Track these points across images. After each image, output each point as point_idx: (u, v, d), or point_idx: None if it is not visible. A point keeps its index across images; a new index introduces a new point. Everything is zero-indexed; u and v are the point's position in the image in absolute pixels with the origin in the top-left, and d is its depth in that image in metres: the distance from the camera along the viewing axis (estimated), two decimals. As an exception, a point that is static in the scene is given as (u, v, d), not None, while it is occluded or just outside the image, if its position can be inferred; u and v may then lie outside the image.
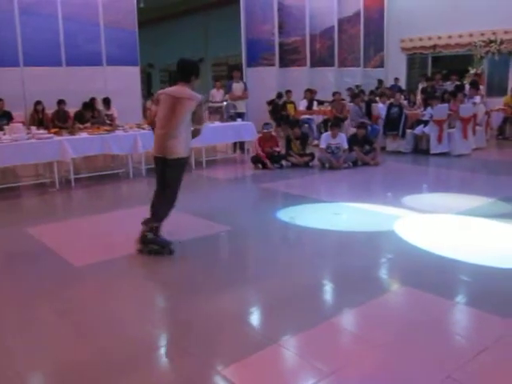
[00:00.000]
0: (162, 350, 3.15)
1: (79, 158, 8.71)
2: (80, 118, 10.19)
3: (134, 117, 11.31)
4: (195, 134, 4.69)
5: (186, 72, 4.61)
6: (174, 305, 3.79)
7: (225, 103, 10.51)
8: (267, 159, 8.98)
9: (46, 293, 3.98)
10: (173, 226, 5.72)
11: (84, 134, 8.39)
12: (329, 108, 12.65)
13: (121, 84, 11.98)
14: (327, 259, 4.78)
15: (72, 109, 10.64)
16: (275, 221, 5.88)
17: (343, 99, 12.86)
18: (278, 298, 3.81)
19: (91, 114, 10.47)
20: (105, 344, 3.16)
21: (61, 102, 10.48)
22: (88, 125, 9.75)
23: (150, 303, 3.86)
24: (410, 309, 3.71)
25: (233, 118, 10.33)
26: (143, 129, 9.03)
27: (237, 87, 11.19)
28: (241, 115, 10.80)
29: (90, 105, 10.59)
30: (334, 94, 12.17)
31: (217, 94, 13.73)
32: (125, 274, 4.41)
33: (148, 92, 24.04)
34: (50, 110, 10.62)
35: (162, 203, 4.67)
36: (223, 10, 19.24)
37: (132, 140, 8.47)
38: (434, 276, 4.17)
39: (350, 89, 14.33)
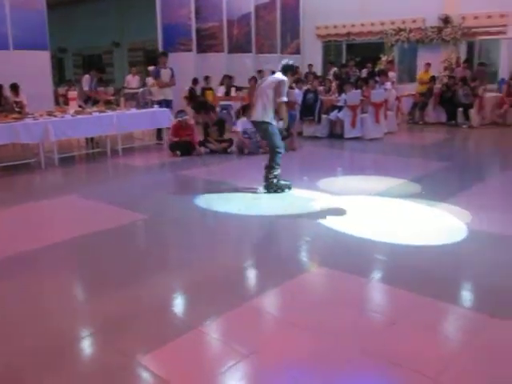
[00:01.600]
0: (83, 343, 3.07)
1: (-15, 148, 8.24)
2: (-15, 105, 9.62)
3: (45, 104, 10.81)
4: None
5: (284, 69, 6.32)
6: (94, 296, 3.71)
7: (141, 90, 10.26)
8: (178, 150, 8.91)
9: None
10: (88, 216, 5.57)
11: (-10, 122, 7.92)
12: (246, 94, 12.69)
13: (30, 69, 11.34)
14: (246, 244, 4.82)
15: (-24, 96, 10.00)
16: (193, 207, 5.84)
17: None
18: (197, 285, 3.81)
19: (-3, 101, 9.91)
20: (24, 339, 3.04)
21: (-36, 89, 9.84)
22: (-6, 112, 9.23)
23: (70, 296, 3.74)
24: (327, 288, 3.84)
25: (148, 104, 10.10)
26: (55, 116, 8.67)
27: (164, 73, 10.61)
28: (168, 103, 10.43)
29: (-5, 91, 10.01)
30: (250, 79, 12.17)
31: (132, 80, 13.38)
32: (40, 267, 4.24)
33: (60, 78, 23.04)
34: (-48, 96, 9.93)
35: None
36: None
37: (42, 128, 8.09)
38: (349, 256, 4.32)
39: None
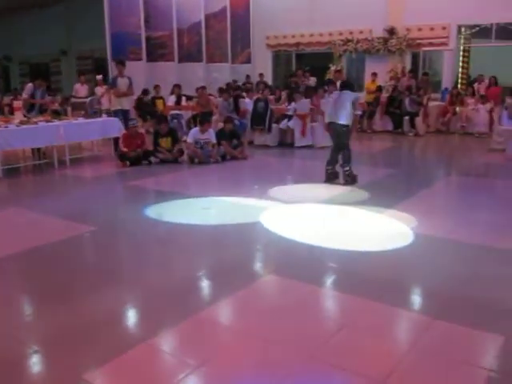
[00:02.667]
0: (28, 360, 2.97)
1: None
2: None
3: (-12, 113, 10.48)
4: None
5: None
6: (40, 311, 3.61)
7: (89, 98, 10.08)
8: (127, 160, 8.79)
9: None
10: (34, 229, 5.42)
11: None
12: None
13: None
14: (197, 254, 4.78)
15: None
16: (143, 218, 5.77)
17: (211, 94, 12.95)
18: (147, 297, 3.77)
19: None
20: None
21: None
22: None
23: (15, 311, 3.61)
24: (277, 296, 3.86)
25: (97, 113, 9.91)
26: (-2, 126, 8.40)
27: (122, 82, 10.21)
28: (125, 112, 10.15)
29: None
30: (198, 89, 12.03)
31: (81, 89, 13.16)
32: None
33: (6, 87, 22.39)
34: None
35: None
36: (86, 1, 18.43)
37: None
38: (300, 263, 4.36)
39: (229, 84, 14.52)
